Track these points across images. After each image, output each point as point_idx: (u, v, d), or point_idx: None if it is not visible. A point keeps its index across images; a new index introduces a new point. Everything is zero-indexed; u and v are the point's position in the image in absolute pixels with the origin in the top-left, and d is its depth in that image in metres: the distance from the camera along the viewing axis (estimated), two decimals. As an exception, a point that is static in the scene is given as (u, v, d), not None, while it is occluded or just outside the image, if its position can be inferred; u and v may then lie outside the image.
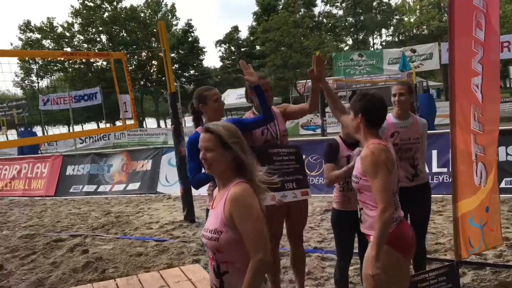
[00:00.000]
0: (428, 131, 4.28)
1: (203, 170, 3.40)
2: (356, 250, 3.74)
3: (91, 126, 51.29)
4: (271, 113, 3.55)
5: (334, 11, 45.09)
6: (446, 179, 7.78)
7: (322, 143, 9.27)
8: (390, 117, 3.94)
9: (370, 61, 25.94)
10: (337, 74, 26.40)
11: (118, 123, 51.22)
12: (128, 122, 9.17)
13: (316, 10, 45.20)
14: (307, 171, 6.82)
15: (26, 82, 49.41)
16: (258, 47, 40.80)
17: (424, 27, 33.27)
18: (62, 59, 45.85)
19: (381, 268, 2.62)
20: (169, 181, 10.36)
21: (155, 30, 49.30)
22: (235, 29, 51.13)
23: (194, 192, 7.77)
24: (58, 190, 11.47)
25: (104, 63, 47.69)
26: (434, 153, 8.05)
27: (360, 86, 29.38)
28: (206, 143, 2.25)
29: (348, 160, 3.59)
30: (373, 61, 25.92)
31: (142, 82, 48.95)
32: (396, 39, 43.54)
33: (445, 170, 7.90)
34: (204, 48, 50.82)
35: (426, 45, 25.47)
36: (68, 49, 46.02)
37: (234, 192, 2.12)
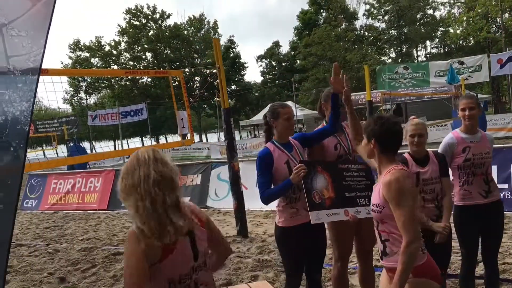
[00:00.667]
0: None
1: (272, 186, 3.46)
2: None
3: (135, 141, 52.68)
4: (338, 123, 3.54)
5: (376, 24, 44.76)
6: (508, 196, 7.47)
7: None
8: (458, 132, 3.83)
9: (416, 73, 25.46)
10: (381, 87, 26.03)
11: (162, 139, 52.37)
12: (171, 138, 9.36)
13: (358, 24, 45.05)
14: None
15: (75, 99, 51.38)
16: (298, 62, 40.91)
17: (471, 38, 32.39)
18: (109, 76, 47.40)
19: None
20: (219, 196, 10.44)
21: (197, 47, 50.47)
22: (276, 44, 51.51)
23: (246, 207, 7.81)
24: (111, 204, 11.77)
25: (149, 80, 49.10)
26: (494, 168, 7.75)
27: (405, 99, 28.90)
28: None
29: (418, 177, 3.51)
30: (419, 73, 25.43)
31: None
32: (442, 51, 42.59)
33: (506, 186, 7.59)
34: (245, 63, 51.46)
35: (475, 57, 24.77)
36: (115, 67, 47.65)
37: None
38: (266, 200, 3.37)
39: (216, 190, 10.53)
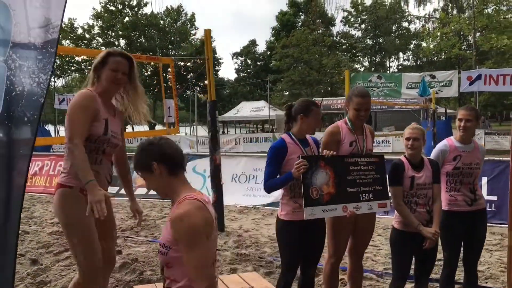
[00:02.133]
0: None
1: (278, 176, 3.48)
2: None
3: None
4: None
5: (352, 32, 45.46)
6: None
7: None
8: (453, 140, 3.95)
9: (389, 83, 25.96)
10: (353, 94, 26.40)
11: (128, 128, 51.32)
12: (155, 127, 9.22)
13: (334, 30, 45.62)
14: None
15: (42, 80, 49.75)
16: (274, 62, 41.02)
17: (443, 54, 33.35)
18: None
19: None
20: (193, 188, 10.36)
21: (173, 38, 49.90)
22: (253, 43, 51.57)
23: (224, 201, 7.79)
24: (80, 189, 11.49)
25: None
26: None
27: (375, 108, 29.48)
28: None
29: (412, 181, 3.60)
30: (392, 84, 25.94)
31: (156, 89, 49.30)
32: (413, 64, 43.71)
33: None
34: (221, 59, 51.25)
35: (446, 72, 25.56)
36: (87, 51, 46.48)
37: None
38: (268, 189, 3.46)
39: (191, 182, 10.40)
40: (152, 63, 47.10)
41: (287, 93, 40.10)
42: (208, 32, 7.14)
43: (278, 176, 3.44)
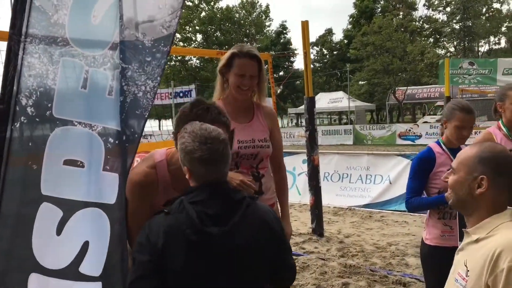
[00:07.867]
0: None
1: (424, 194, 2.95)
2: None
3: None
4: None
5: (436, 16, 42.82)
6: None
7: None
8: None
9: (482, 70, 23.85)
10: (442, 82, 24.74)
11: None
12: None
13: (417, 15, 43.23)
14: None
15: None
16: (351, 51, 39.52)
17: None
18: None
19: None
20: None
21: (248, 30, 49.96)
22: (329, 32, 50.26)
23: (323, 203, 7.30)
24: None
25: (198, 61, 48.99)
26: None
27: (467, 97, 27.46)
28: None
29: None
30: (485, 70, 23.78)
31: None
32: (507, 47, 40.32)
33: None
34: (296, 50, 50.54)
35: (549, 55, 23.20)
36: (166, 47, 47.73)
37: None
38: (412, 208, 2.94)
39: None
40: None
41: (364, 82, 38.61)
42: (305, 24, 6.63)
43: (424, 195, 2.91)
